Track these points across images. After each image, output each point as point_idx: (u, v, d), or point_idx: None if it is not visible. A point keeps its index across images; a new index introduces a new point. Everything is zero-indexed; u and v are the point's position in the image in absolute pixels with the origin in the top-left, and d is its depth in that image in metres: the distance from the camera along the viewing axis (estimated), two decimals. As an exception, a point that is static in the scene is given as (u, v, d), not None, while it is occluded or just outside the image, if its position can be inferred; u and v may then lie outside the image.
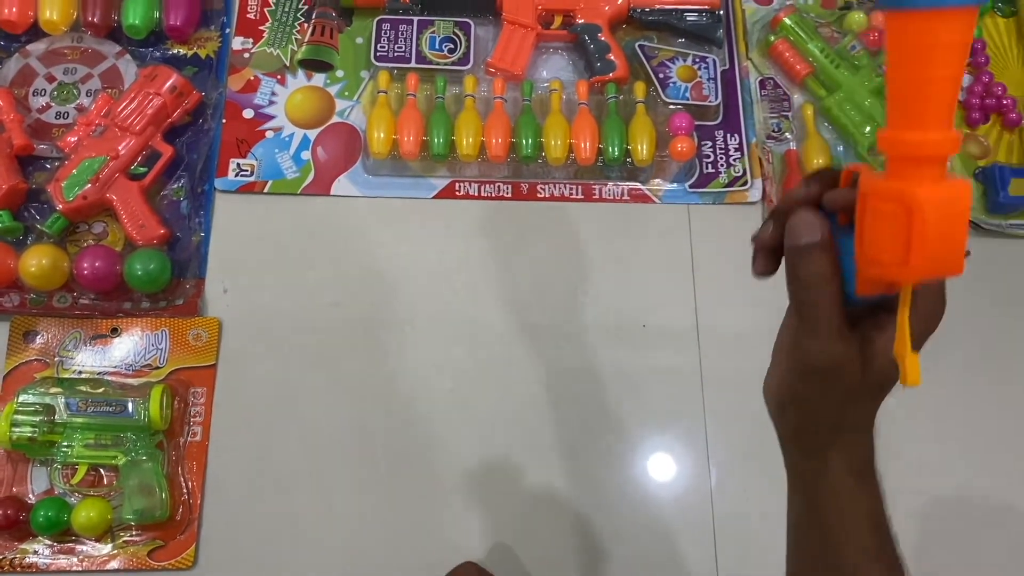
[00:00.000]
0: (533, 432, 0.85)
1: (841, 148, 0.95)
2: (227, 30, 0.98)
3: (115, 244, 0.88)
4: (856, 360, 0.45)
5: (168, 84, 0.90)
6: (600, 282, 0.90)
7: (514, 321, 0.88)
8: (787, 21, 0.98)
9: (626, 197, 0.93)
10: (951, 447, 0.86)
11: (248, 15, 0.99)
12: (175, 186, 0.91)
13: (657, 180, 0.93)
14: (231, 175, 0.92)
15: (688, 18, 0.98)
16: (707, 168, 0.94)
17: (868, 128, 0.94)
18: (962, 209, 0.39)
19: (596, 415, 0.85)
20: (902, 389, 0.43)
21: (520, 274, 0.90)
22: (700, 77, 0.96)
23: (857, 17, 1.01)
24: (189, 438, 0.82)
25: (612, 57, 0.95)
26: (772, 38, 0.99)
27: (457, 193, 0.92)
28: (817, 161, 0.93)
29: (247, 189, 0.91)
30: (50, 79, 0.94)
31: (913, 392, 0.41)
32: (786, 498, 0.52)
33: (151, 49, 0.96)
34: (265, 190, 0.91)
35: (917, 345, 0.42)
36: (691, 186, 0.93)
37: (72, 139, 0.88)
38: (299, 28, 0.98)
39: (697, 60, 0.96)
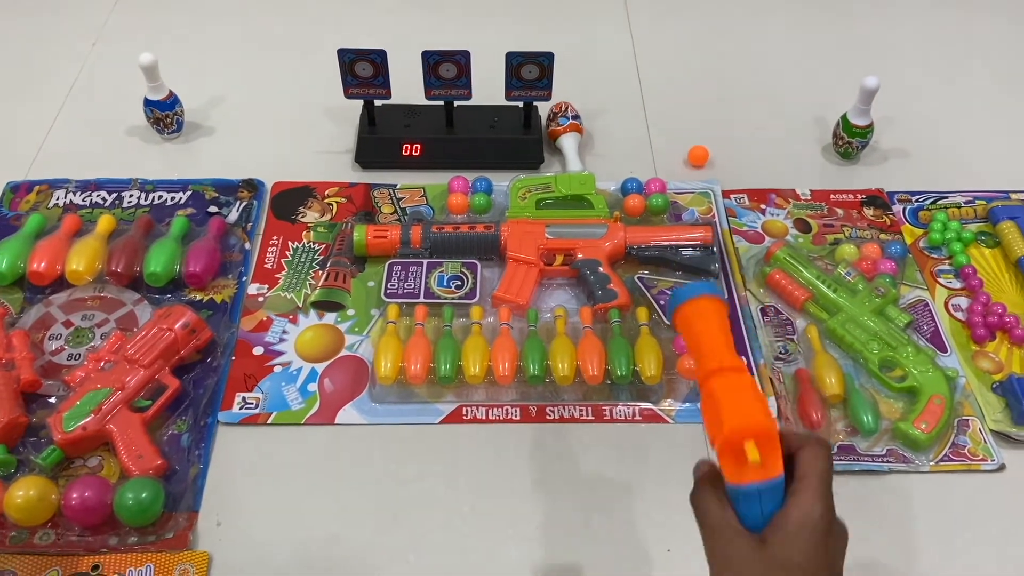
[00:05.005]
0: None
1: (851, 363, 0.95)
2: (244, 278, 1.02)
3: (110, 477, 0.85)
4: (754, 539, 0.57)
5: (181, 321, 0.92)
6: (615, 507, 0.85)
7: (524, 553, 0.82)
8: (780, 253, 1.03)
9: (638, 417, 0.90)
10: None
11: (265, 265, 1.04)
12: (179, 420, 0.89)
13: (669, 400, 0.91)
14: (235, 408, 0.90)
15: (683, 252, 1.02)
16: (718, 388, 0.92)
17: (876, 346, 0.94)
18: (744, 385, 0.59)
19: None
20: None
21: (530, 500, 0.85)
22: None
23: (848, 249, 1.06)
24: None
25: (613, 287, 0.97)
26: (767, 269, 1.03)
27: (464, 417, 0.90)
28: (830, 380, 0.92)
29: (250, 421, 0.90)
30: (67, 324, 0.97)
31: None
32: None
33: (169, 296, 1.00)
34: (268, 421, 0.90)
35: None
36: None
37: (80, 374, 0.89)
38: (314, 275, 1.03)
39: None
